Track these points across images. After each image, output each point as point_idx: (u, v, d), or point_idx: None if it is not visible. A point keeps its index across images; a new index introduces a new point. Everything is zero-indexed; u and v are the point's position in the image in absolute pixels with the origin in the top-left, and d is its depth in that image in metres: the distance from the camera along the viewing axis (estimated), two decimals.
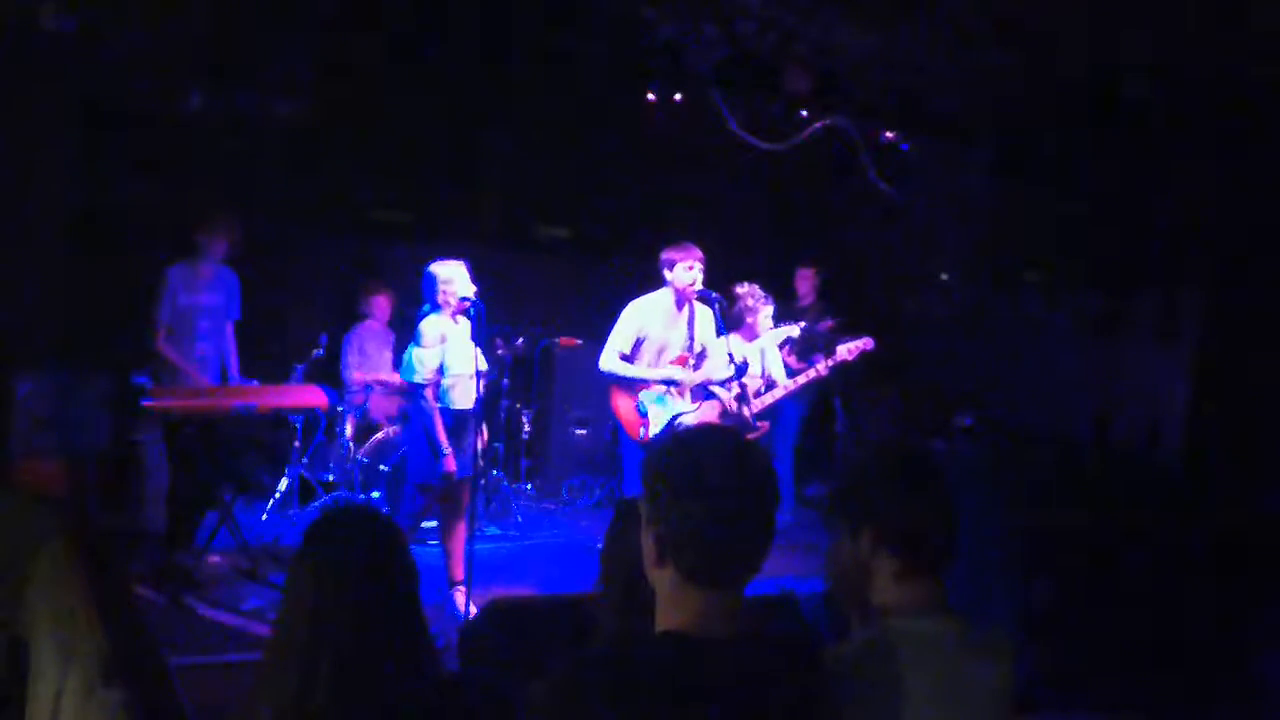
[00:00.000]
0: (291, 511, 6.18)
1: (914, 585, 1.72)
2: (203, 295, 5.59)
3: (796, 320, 6.27)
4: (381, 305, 6.83)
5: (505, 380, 6.89)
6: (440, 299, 4.69)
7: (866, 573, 1.74)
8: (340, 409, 6.31)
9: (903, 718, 1.63)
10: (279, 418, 5.87)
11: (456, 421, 4.74)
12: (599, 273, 7.63)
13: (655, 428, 5.07)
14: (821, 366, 5.50)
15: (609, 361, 5.13)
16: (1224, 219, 5.92)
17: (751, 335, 5.74)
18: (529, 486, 7.40)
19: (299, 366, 6.27)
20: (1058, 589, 4.37)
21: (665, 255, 5.11)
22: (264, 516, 6.03)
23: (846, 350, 5.44)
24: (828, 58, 6.51)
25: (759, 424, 5.37)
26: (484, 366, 4.79)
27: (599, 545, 2.44)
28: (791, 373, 5.88)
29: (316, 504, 6.18)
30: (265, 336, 6.24)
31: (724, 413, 5.24)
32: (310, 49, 6.02)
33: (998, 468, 5.53)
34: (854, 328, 6.15)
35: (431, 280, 4.71)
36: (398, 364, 5.44)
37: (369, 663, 1.60)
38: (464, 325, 4.73)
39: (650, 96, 6.86)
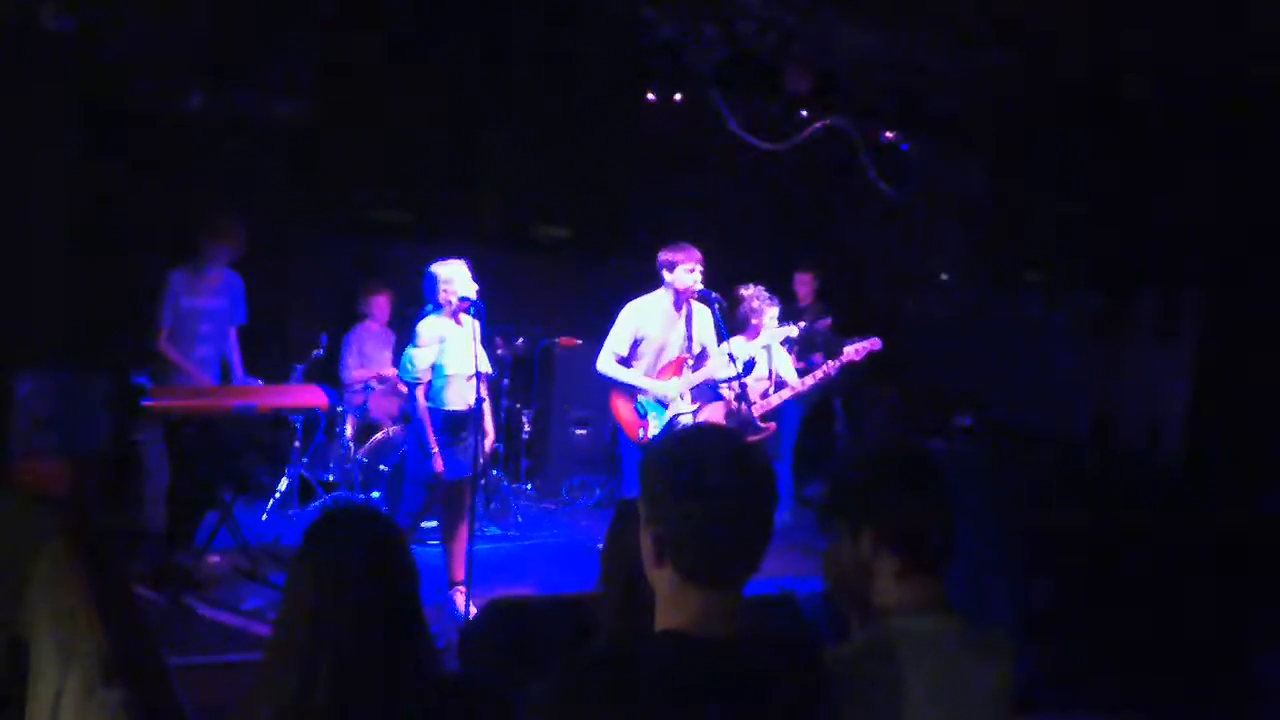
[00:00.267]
0: (291, 511, 6.18)
1: (914, 585, 1.72)
2: (205, 299, 5.59)
3: (795, 322, 6.27)
4: (381, 305, 6.83)
5: (505, 380, 6.90)
6: (441, 298, 4.70)
7: (866, 572, 1.74)
8: (340, 409, 6.31)
9: (903, 717, 1.63)
10: (279, 418, 5.87)
11: (451, 422, 4.74)
12: (599, 273, 7.63)
13: (654, 429, 5.07)
14: (832, 365, 5.47)
15: (604, 363, 5.14)
16: (1224, 219, 5.91)
17: (756, 336, 5.73)
18: (529, 486, 7.40)
19: (299, 366, 6.27)
20: (1058, 589, 4.37)
21: (664, 256, 5.10)
22: (264, 516, 6.03)
23: (854, 350, 5.43)
24: (828, 58, 6.51)
25: (765, 425, 5.37)
26: (487, 369, 4.78)
27: (599, 545, 2.44)
28: (798, 373, 5.87)
29: (316, 504, 6.19)
30: (265, 336, 6.24)
31: (729, 413, 5.23)
32: (310, 49, 6.02)
33: (998, 468, 5.53)
34: (854, 328, 6.15)
35: (432, 280, 4.72)
36: (397, 364, 5.45)
37: (369, 663, 1.60)
38: (467, 326, 4.73)
39: (650, 96, 6.86)
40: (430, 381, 4.73)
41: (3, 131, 5.20)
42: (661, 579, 1.49)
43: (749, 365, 5.11)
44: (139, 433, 5.01)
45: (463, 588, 4.64)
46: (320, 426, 6.29)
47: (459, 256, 4.80)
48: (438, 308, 4.74)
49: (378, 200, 7.42)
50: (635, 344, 5.13)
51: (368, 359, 6.69)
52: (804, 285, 7.30)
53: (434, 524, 5.44)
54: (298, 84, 6.25)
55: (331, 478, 6.31)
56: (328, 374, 6.44)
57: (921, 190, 7.53)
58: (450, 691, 1.71)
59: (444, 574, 4.85)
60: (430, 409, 4.74)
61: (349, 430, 6.36)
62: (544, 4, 6.10)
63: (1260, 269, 5.83)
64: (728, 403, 5.22)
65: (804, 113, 6.94)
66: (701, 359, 5.23)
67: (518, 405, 7.22)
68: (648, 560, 1.51)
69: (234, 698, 1.67)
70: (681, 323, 5.17)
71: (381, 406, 6.51)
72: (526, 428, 7.21)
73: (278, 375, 6.16)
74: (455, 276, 4.70)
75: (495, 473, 6.64)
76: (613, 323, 5.17)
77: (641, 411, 5.11)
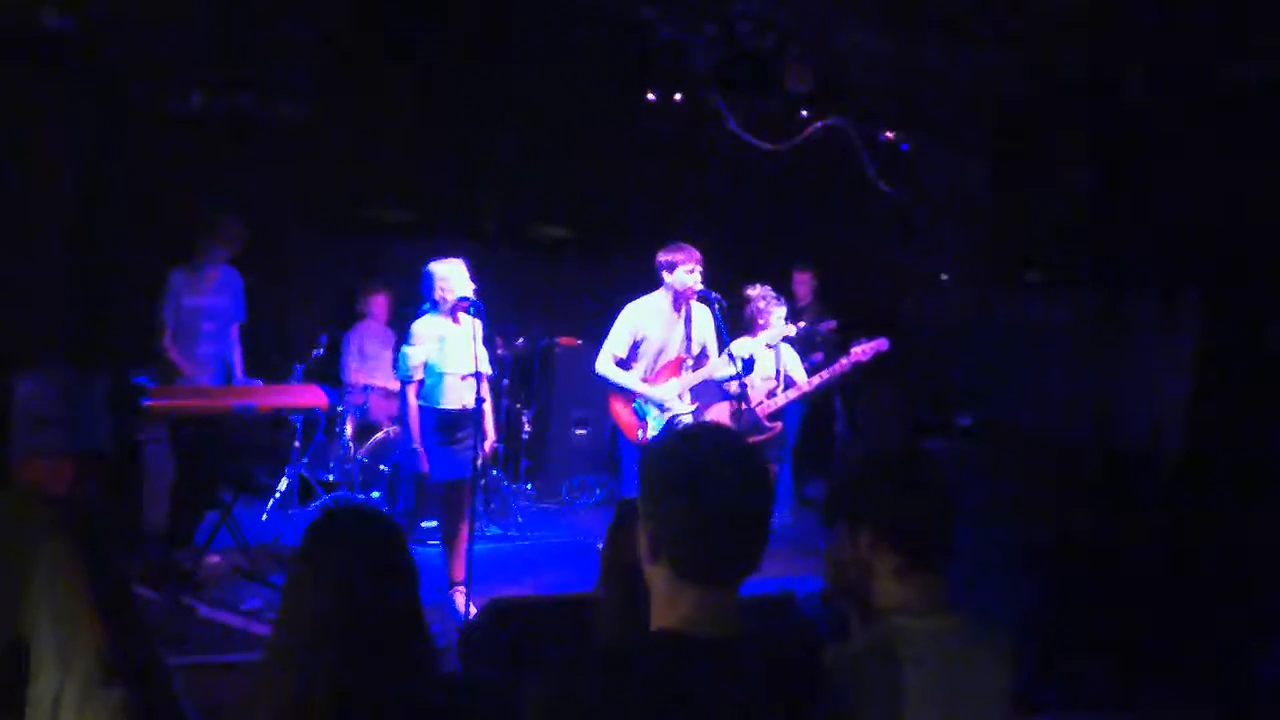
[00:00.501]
0: (291, 511, 6.18)
1: (914, 584, 1.72)
2: (206, 298, 5.59)
3: (795, 321, 6.27)
4: (381, 305, 6.84)
5: (505, 380, 6.90)
6: (436, 295, 4.71)
7: (866, 572, 1.74)
8: (340, 409, 6.31)
9: (903, 717, 1.63)
10: (279, 418, 5.87)
11: (445, 421, 4.74)
12: (599, 273, 7.63)
13: (654, 429, 5.07)
14: (842, 364, 5.46)
15: (603, 365, 5.13)
16: (1224, 219, 5.91)
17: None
18: (529, 486, 7.40)
19: (299, 366, 6.27)
20: (1058, 589, 4.37)
21: (664, 257, 5.09)
22: (264, 516, 6.03)
23: (861, 351, 5.42)
24: (828, 58, 6.51)
25: (772, 425, 5.36)
26: (486, 369, 4.78)
27: (599, 545, 2.44)
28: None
29: (316, 504, 6.19)
30: (265, 336, 6.25)
31: (735, 413, 5.22)
32: (310, 49, 6.02)
33: (998, 468, 5.53)
34: (853, 328, 6.14)
35: (429, 278, 4.73)
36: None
37: (369, 663, 1.60)
38: (465, 325, 4.73)
39: (650, 96, 6.86)
40: (423, 380, 4.73)
41: (3, 131, 5.21)
42: (656, 576, 1.49)
43: (748, 364, 5.09)
44: (141, 432, 5.02)
45: (463, 588, 4.64)
46: (320, 426, 6.29)
47: (459, 256, 4.81)
48: (435, 306, 4.74)
49: (378, 200, 7.43)
50: (635, 345, 5.12)
51: (368, 358, 6.69)
52: (803, 285, 7.29)
53: (434, 524, 5.44)
54: (297, 84, 6.26)
55: (331, 478, 6.31)
56: (328, 374, 6.45)
57: (921, 190, 7.53)
58: (450, 691, 1.71)
59: (444, 574, 4.85)
60: (423, 408, 4.74)
61: (349, 430, 6.36)
62: (544, 4, 6.10)
63: (1260, 269, 5.83)
64: (733, 403, 5.21)
65: (804, 113, 6.94)
66: (701, 359, 5.22)
67: (518, 405, 7.22)
68: (643, 557, 1.51)
69: (234, 698, 1.67)
70: (681, 323, 5.17)
71: (381, 407, 6.51)
72: (526, 428, 7.21)
73: (278, 375, 6.16)
74: (451, 275, 4.70)
75: (495, 473, 6.64)
76: (612, 323, 5.17)
77: (640, 413, 5.11)
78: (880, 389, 7.45)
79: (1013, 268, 7.54)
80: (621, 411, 5.17)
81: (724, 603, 1.46)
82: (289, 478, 6.20)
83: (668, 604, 1.47)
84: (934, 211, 7.70)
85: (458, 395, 4.72)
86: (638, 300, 5.19)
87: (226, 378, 5.71)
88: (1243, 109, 5.67)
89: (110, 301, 5.73)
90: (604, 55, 6.41)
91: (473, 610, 4.44)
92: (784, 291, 6.85)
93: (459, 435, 4.76)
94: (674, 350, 5.17)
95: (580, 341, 7.22)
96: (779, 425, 5.46)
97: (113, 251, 5.79)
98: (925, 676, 1.65)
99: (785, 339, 5.86)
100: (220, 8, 5.54)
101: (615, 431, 5.56)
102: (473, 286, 4.71)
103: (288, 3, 5.73)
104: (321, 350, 6.34)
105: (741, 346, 5.28)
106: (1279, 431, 5.57)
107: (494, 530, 6.33)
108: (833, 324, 7.04)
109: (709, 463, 1.44)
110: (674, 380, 5.15)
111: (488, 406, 4.78)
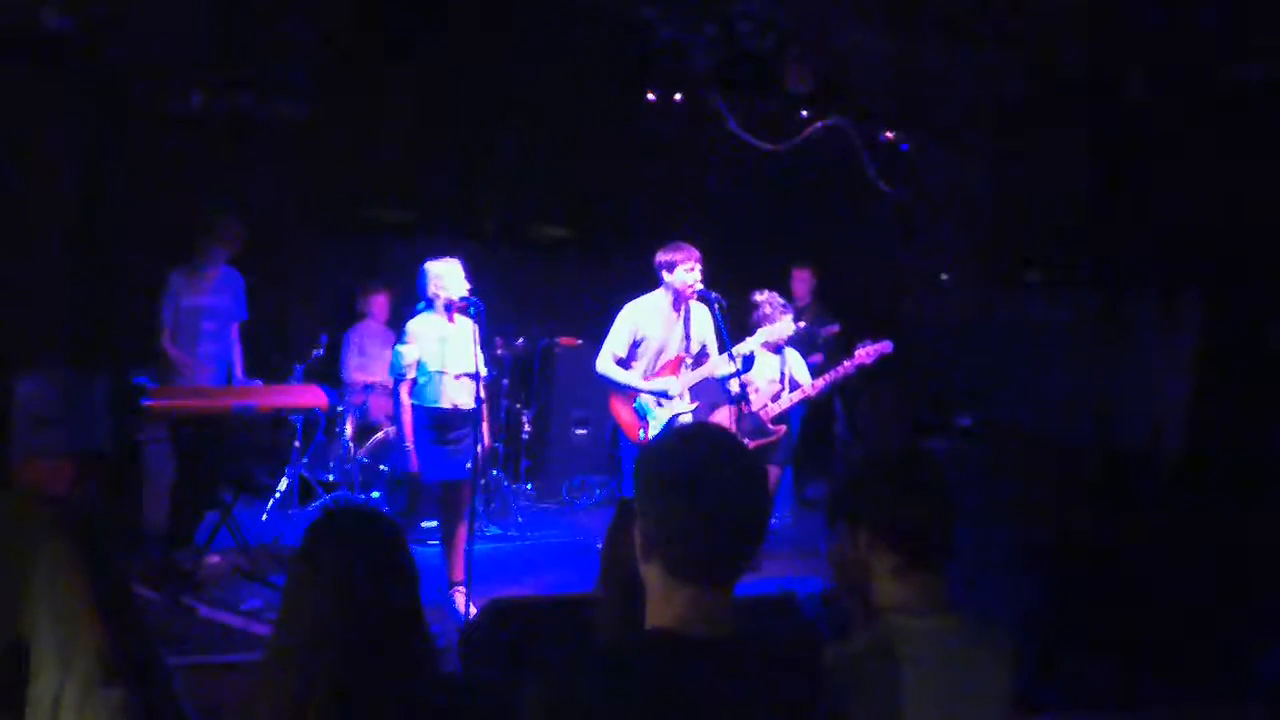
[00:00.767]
0: (291, 511, 6.18)
1: (914, 584, 1.72)
2: (207, 297, 5.59)
3: (794, 321, 6.25)
4: (381, 305, 6.84)
5: (505, 380, 6.90)
6: (430, 293, 4.71)
7: (867, 571, 1.74)
8: (340, 409, 6.31)
9: (903, 717, 1.63)
10: (279, 418, 5.87)
11: (438, 420, 4.73)
12: (599, 273, 7.62)
13: (654, 429, 5.07)
14: (846, 366, 5.44)
15: (603, 364, 5.13)
16: (1224, 219, 5.91)
17: (773, 346, 5.64)
18: (529, 486, 7.39)
19: (299, 366, 6.27)
20: (1058, 589, 4.37)
21: (663, 257, 5.08)
22: (264, 516, 6.03)
23: (866, 353, 5.41)
24: (828, 58, 6.51)
25: (776, 427, 5.35)
26: (482, 370, 4.76)
27: (599, 545, 2.44)
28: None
29: (316, 504, 6.19)
30: (265, 336, 6.25)
31: (739, 416, 5.21)
32: (310, 49, 6.02)
33: (998, 468, 5.53)
34: (853, 328, 6.14)
35: (425, 276, 4.74)
36: None
37: (369, 663, 1.60)
38: (462, 325, 4.73)
39: (650, 96, 6.86)
40: (415, 379, 4.72)
41: (3, 131, 5.21)
42: (650, 574, 1.49)
43: (748, 361, 5.09)
44: (141, 432, 5.02)
45: (463, 588, 4.63)
46: (320, 426, 6.29)
47: (458, 256, 4.81)
48: (429, 304, 4.74)
49: (378, 200, 7.43)
50: (635, 344, 5.12)
51: (368, 358, 6.69)
52: (802, 283, 7.25)
53: (434, 524, 5.44)
54: (297, 84, 6.26)
55: (331, 478, 6.31)
56: (328, 374, 6.44)
57: (921, 190, 7.53)
58: (450, 691, 1.71)
59: (444, 574, 4.85)
60: (416, 406, 4.73)
61: (349, 430, 6.36)
62: (544, 4, 6.10)
63: (1260, 269, 5.83)
64: (735, 407, 5.20)
65: (804, 113, 6.94)
66: (700, 359, 5.22)
67: (518, 405, 7.22)
68: (638, 555, 1.51)
69: (234, 698, 1.67)
70: (680, 323, 5.17)
71: (381, 407, 6.50)
72: (526, 428, 7.20)
73: (278, 375, 6.16)
74: (447, 274, 4.70)
75: (495, 473, 6.64)
76: (612, 323, 5.17)
77: (641, 413, 5.10)
78: (880, 390, 7.44)
79: (1013, 268, 7.54)
80: (622, 411, 5.16)
81: (718, 602, 1.46)
82: (289, 478, 6.20)
83: (661, 603, 1.47)
84: (934, 211, 7.70)
85: (451, 394, 4.71)
86: (637, 300, 5.18)
87: (226, 378, 5.70)
88: (1243, 109, 5.68)
89: (110, 301, 5.72)
90: (604, 55, 6.41)
91: (473, 610, 4.44)
92: (784, 291, 6.85)
93: (451, 435, 4.75)
94: (673, 350, 5.17)
95: (580, 341, 7.22)
96: (783, 429, 5.45)
97: (113, 251, 5.79)
98: (925, 676, 1.65)
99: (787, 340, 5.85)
100: (220, 8, 5.54)
101: (616, 431, 5.56)
102: (468, 286, 4.71)
103: (288, 3, 5.73)
104: (321, 350, 6.34)
105: (742, 346, 5.27)
106: (1279, 431, 5.57)
107: (494, 530, 6.33)
108: (836, 327, 7.01)
109: (705, 462, 1.44)
110: (672, 378, 5.15)
111: (485, 408, 4.78)
